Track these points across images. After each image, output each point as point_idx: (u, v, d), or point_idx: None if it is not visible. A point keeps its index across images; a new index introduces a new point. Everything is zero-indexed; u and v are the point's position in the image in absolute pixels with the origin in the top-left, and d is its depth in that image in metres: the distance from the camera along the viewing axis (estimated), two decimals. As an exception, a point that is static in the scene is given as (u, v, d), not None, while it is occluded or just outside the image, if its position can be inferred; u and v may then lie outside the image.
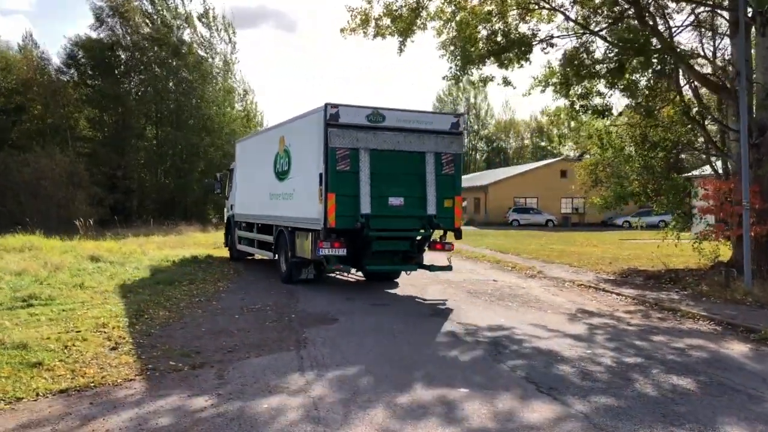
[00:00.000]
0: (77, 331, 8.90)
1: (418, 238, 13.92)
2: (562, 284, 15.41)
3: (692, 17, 17.24)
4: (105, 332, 8.96)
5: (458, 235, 14.10)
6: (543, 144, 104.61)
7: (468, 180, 70.13)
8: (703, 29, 17.49)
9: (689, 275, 14.98)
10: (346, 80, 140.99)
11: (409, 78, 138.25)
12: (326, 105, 12.86)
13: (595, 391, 6.43)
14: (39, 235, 22.36)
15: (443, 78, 17.37)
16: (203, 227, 37.15)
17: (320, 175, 12.97)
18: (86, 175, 36.13)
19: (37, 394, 6.26)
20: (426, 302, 12.22)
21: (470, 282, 15.51)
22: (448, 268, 14.05)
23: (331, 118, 12.80)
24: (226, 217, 22.46)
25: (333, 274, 15.75)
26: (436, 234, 14.11)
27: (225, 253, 22.51)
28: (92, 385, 6.57)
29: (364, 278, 15.56)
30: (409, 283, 14.93)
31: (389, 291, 13.80)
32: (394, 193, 13.18)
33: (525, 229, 47.21)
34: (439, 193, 13.47)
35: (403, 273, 15.11)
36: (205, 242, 27.67)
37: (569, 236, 35.51)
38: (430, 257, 14.82)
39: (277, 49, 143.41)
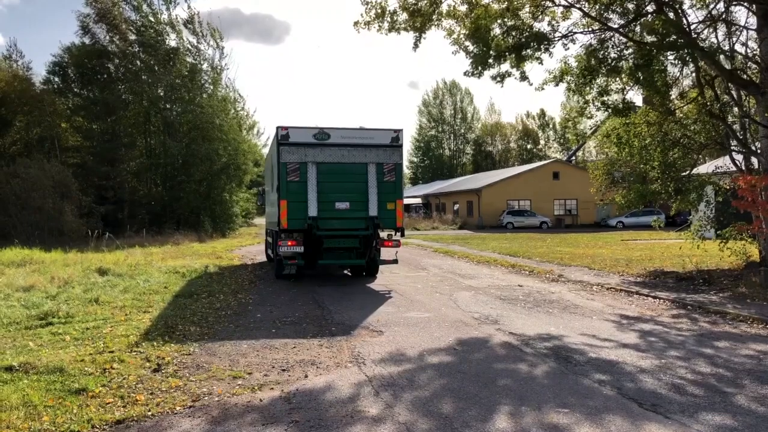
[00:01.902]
0: (110, 352, 8.28)
1: (365, 235, 15.83)
2: (590, 288, 14.97)
3: (706, 12, 16.96)
4: (141, 352, 8.33)
5: (402, 234, 16.35)
6: (529, 147, 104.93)
7: (459, 183, 70.01)
8: (719, 24, 17.15)
9: (723, 276, 14.60)
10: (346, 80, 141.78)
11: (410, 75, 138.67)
12: (278, 128, 15.54)
13: (702, 408, 5.93)
14: (38, 248, 21.51)
15: (464, 73, 16.99)
16: (199, 237, 36.28)
17: (276, 185, 15.57)
18: (76, 186, 35.08)
19: (93, 426, 5.63)
20: (465, 312, 11.66)
21: (497, 288, 15.03)
22: (394, 261, 16.59)
23: (282, 138, 15.37)
24: None
25: (350, 274, 18.27)
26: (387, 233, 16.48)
27: (231, 262, 22.07)
28: (149, 414, 5.95)
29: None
30: (436, 291, 14.44)
31: (418, 299, 13.24)
32: (340, 198, 15.56)
33: (520, 231, 46.99)
34: (381, 198, 15.78)
35: (429, 280, 15.75)
36: (205, 252, 27.00)
37: (570, 238, 35.22)
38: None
39: (257, 57, 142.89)
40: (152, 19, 42.38)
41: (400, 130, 16.21)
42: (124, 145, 41.37)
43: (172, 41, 42.90)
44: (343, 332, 9.75)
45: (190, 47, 43.33)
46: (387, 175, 15.87)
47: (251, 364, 7.79)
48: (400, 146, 16.11)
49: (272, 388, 6.72)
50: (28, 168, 33.33)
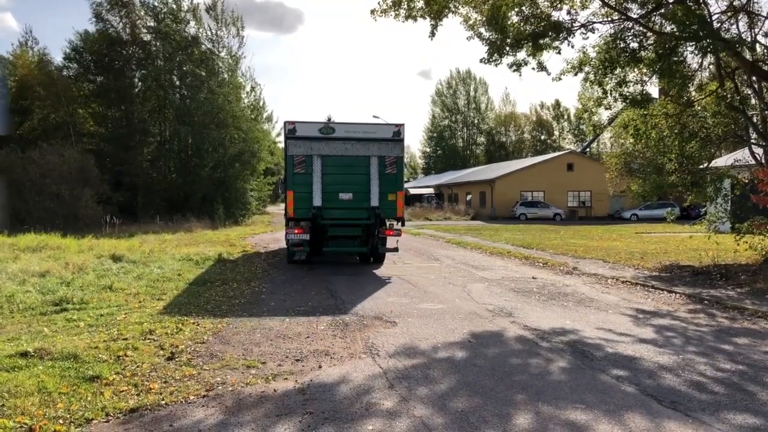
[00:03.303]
0: (124, 339, 8.27)
1: (367, 224, 16.59)
2: (605, 281, 14.82)
3: (728, 2, 16.65)
4: (154, 339, 8.32)
5: (402, 223, 17.22)
6: (543, 137, 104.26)
7: (472, 174, 69.74)
8: (741, 14, 16.84)
9: (740, 271, 14.41)
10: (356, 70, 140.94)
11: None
12: (285, 122, 16.40)
13: (724, 407, 5.81)
14: (54, 234, 21.62)
15: (480, 60, 16.83)
16: (213, 225, 36.34)
17: (284, 176, 16.19)
18: (95, 172, 35.18)
19: (107, 414, 5.60)
20: (479, 304, 11.56)
21: (510, 280, 14.92)
22: (395, 249, 17.50)
23: (290, 132, 16.24)
24: None
25: (358, 262, 18.55)
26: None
27: (244, 250, 22.10)
28: (163, 403, 5.91)
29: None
30: (450, 283, 14.36)
31: (431, 290, 13.16)
32: (344, 189, 16.42)
33: (533, 223, 46.77)
34: (383, 189, 16.57)
35: (442, 272, 15.69)
36: (218, 240, 27.05)
37: (584, 230, 34.96)
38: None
39: (268, 46, 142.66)
40: (174, 6, 42.30)
41: (402, 125, 16.89)
42: (139, 132, 41.41)
43: (191, 29, 42.86)
44: (357, 322, 9.70)
45: (210, 34, 43.26)
46: (388, 167, 16.65)
47: (265, 353, 7.75)
48: (402, 140, 16.85)
49: (286, 379, 6.68)
50: (45, 154, 33.41)
